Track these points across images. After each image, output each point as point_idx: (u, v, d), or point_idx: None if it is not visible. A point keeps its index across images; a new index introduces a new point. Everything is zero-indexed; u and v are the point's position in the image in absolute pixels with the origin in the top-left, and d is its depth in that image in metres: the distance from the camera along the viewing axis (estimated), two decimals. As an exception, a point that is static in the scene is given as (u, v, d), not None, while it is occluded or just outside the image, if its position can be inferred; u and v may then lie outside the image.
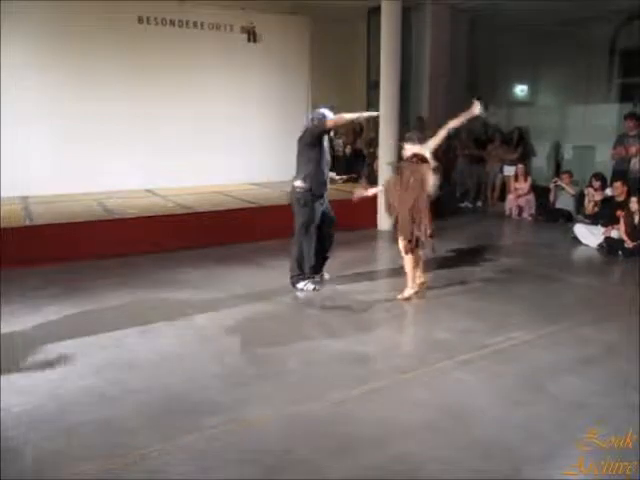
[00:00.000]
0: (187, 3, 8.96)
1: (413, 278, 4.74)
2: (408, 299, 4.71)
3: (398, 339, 3.98)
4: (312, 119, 4.91)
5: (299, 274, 4.99)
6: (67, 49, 8.12)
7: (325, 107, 4.98)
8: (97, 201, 7.51)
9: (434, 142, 4.61)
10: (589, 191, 7.77)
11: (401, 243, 4.71)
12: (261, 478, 2.42)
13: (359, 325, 4.34)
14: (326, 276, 5.28)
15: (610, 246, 6.46)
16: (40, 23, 7.90)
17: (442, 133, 4.61)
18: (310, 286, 4.99)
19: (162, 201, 7.74)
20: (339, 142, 11.10)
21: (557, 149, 9.94)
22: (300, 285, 5.00)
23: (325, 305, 4.73)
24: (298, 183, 4.83)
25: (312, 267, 5.02)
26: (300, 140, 4.86)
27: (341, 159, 10.15)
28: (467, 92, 11.08)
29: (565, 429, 2.76)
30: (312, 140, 4.78)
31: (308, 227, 4.86)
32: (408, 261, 4.70)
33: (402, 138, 5.14)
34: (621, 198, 6.86)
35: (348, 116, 4.85)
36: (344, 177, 6.29)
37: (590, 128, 9.39)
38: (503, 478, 2.41)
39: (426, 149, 4.58)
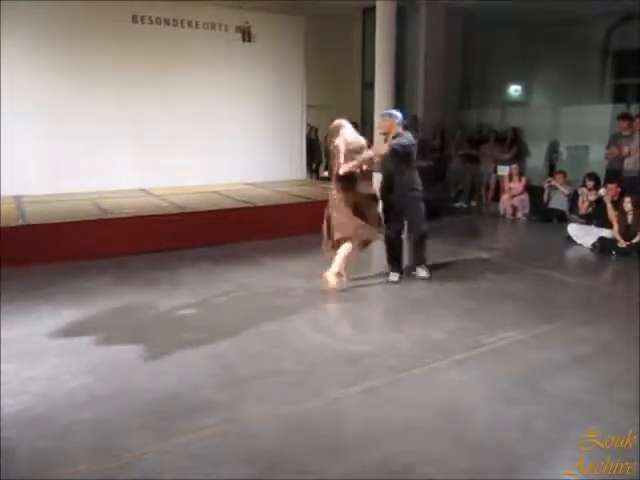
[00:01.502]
0: (182, 2, 8.94)
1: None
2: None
3: (392, 338, 3.98)
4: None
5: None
6: (62, 48, 8.08)
7: (393, 108, 5.34)
8: (91, 201, 7.48)
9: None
10: (583, 191, 7.81)
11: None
12: (257, 478, 2.42)
13: (354, 324, 4.36)
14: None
15: (603, 246, 6.49)
16: (35, 23, 7.84)
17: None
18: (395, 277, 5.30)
19: (157, 201, 7.72)
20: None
21: (552, 149, 9.97)
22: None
23: (320, 304, 4.74)
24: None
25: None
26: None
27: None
28: (461, 91, 11.14)
29: (560, 427, 2.77)
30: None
31: None
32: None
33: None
34: (613, 199, 6.86)
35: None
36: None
37: (584, 128, 9.43)
38: (498, 477, 2.42)
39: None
